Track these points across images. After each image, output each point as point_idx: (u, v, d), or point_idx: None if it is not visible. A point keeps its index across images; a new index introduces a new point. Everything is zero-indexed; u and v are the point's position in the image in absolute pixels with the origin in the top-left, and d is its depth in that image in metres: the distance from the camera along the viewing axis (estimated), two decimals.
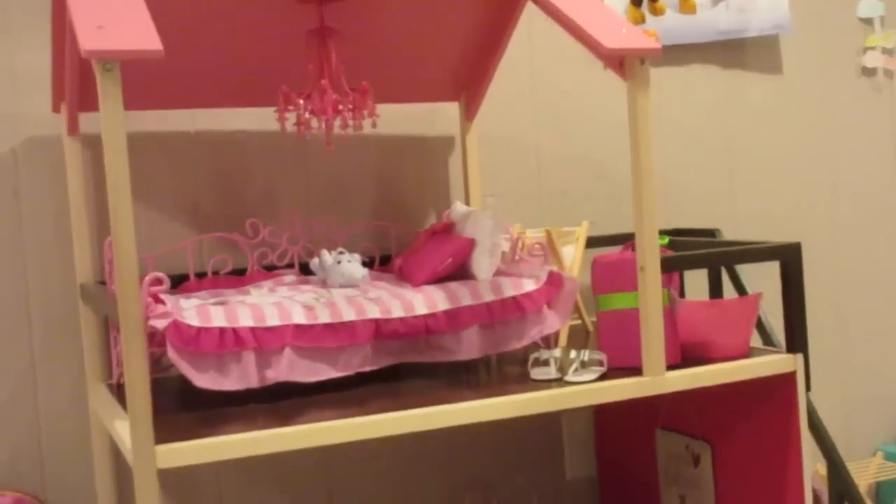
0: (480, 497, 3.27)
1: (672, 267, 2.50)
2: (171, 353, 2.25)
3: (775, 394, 2.65)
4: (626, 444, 3.29)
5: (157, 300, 2.28)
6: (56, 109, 2.81)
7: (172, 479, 2.97)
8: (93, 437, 2.84)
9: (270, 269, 2.93)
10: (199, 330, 2.28)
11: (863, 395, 4.00)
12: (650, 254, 2.35)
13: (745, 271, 3.28)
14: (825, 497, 3.26)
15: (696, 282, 3.24)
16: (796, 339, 2.58)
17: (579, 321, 3.13)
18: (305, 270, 2.91)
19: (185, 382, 2.59)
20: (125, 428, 2.10)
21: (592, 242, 3.08)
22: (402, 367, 2.57)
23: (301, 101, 2.63)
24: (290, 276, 2.87)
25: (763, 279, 2.86)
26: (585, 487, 3.46)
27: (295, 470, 3.13)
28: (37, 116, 2.86)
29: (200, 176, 3.03)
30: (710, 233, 3.28)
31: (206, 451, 2.05)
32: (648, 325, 2.37)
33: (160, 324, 2.23)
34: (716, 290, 3.20)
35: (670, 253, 2.60)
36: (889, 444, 4.11)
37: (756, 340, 2.98)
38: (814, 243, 3.26)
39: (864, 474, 3.91)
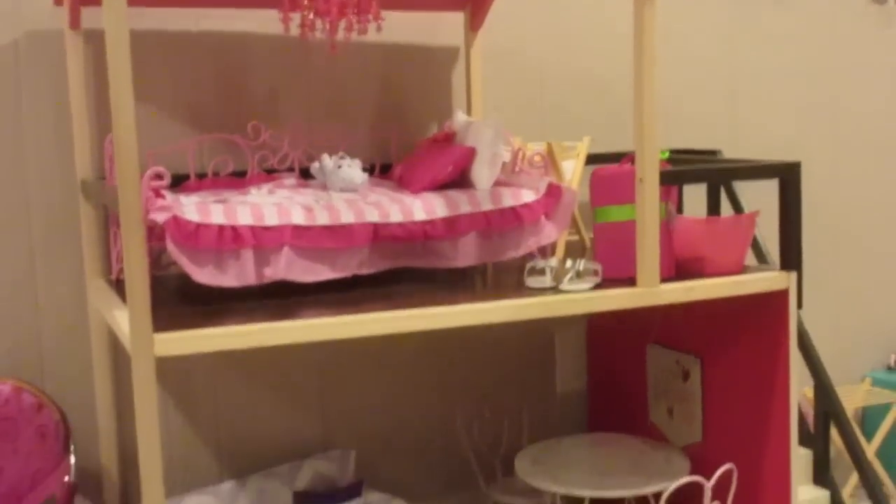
0: (472, 408, 3.32)
1: (671, 180, 2.52)
2: (171, 247, 2.27)
3: (767, 311, 2.68)
4: (617, 358, 3.33)
5: (158, 194, 2.29)
6: (58, 2, 2.79)
7: (170, 379, 3.02)
8: (91, 329, 2.87)
9: (271, 173, 2.94)
10: (199, 226, 2.29)
11: (853, 320, 4.05)
12: (650, 165, 2.36)
13: (743, 192, 3.30)
14: (811, 419, 3.31)
15: (694, 202, 3.26)
16: (791, 258, 2.60)
17: (577, 237, 3.15)
18: (305, 175, 2.91)
19: (184, 280, 2.62)
20: (124, 317, 2.13)
21: (592, 160, 3.08)
22: (399, 271, 2.59)
23: (305, 2, 2.61)
24: (290, 180, 2.88)
25: (759, 203, 2.87)
26: (575, 401, 3.52)
27: (289, 376, 3.17)
28: (38, 9, 2.83)
29: (202, 77, 3.02)
30: (711, 153, 3.28)
31: (203, 341, 2.08)
32: (645, 236, 2.38)
33: (160, 217, 2.24)
34: (713, 210, 3.21)
35: (670, 167, 2.61)
36: (878, 371, 4.17)
37: (750, 260, 3.00)
38: (813, 168, 3.27)
39: (852, 399, 3.97)
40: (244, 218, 2.36)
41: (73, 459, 2.81)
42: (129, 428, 2.93)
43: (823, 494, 3.18)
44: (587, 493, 2.73)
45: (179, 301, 2.44)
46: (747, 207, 3.22)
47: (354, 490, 2.99)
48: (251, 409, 3.13)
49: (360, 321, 2.20)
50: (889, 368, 4.19)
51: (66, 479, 2.79)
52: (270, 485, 2.94)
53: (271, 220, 2.38)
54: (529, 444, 3.14)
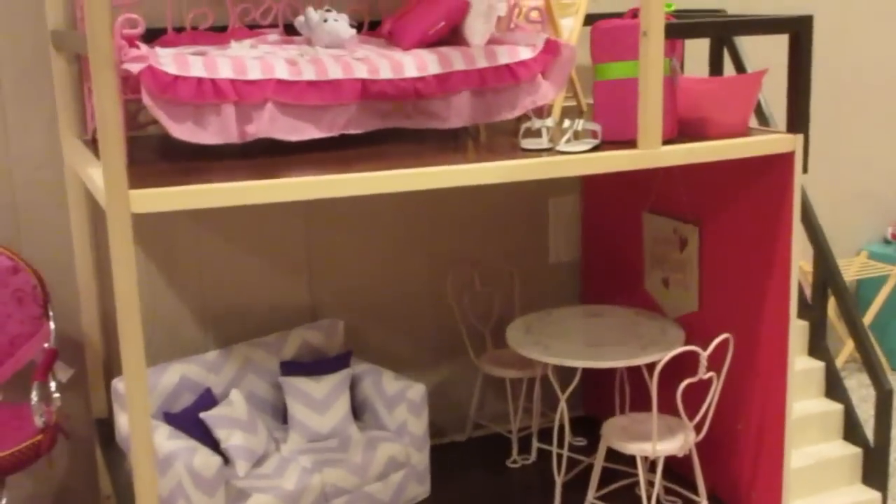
0: (463, 277, 3.25)
1: (676, 33, 2.38)
2: (147, 100, 2.15)
3: (770, 176, 2.58)
4: (611, 227, 3.25)
5: (132, 43, 2.16)
6: None
7: (154, 246, 2.92)
8: (67, 189, 2.76)
9: (253, 28, 2.79)
10: (176, 78, 2.17)
11: (852, 190, 3.96)
12: (655, 17, 2.22)
13: (745, 55, 3.17)
14: (807, 292, 3.26)
15: (696, 64, 3.13)
16: (798, 119, 2.49)
17: (574, 102, 3.03)
18: (290, 31, 2.77)
19: (163, 140, 2.50)
20: (99, 174, 2.02)
21: (592, 20, 2.93)
22: (388, 132, 2.48)
23: None
24: (273, 35, 2.74)
25: (759, 66, 2.75)
26: (568, 271, 3.45)
27: (276, 244, 3.08)
28: None
29: None
30: (715, 12, 3.14)
31: (180, 198, 1.98)
32: (647, 93, 2.26)
33: (134, 68, 2.12)
34: (716, 71, 3.09)
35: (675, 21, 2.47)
36: (874, 244, 4.11)
37: (752, 123, 2.89)
38: (819, 31, 3.13)
39: (847, 271, 3.92)
40: (225, 71, 2.23)
41: (52, 325, 2.74)
42: (111, 293, 2.85)
43: (819, 365, 3.15)
44: (579, 364, 2.68)
45: (158, 160, 2.33)
46: (749, 71, 3.09)
47: (342, 360, 2.94)
48: (237, 277, 3.05)
49: (346, 180, 2.10)
50: (886, 241, 4.13)
51: (46, 344, 2.73)
52: (257, 354, 2.88)
53: (254, 73, 2.25)
54: (521, 315, 3.08)
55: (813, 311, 3.18)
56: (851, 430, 3.11)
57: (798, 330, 3.07)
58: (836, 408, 3.13)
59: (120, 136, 1.90)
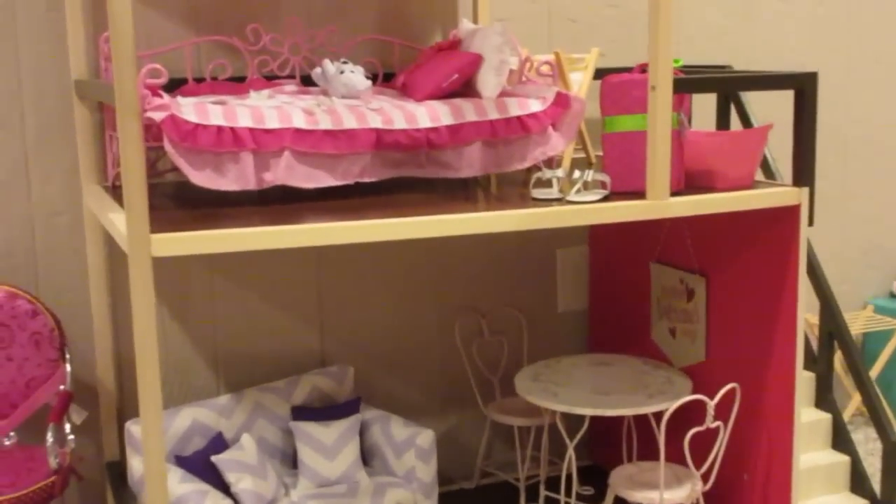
0: (472, 326, 3.28)
1: (684, 88, 2.44)
2: (168, 148, 2.20)
3: (777, 229, 2.63)
4: (619, 277, 3.29)
5: (154, 93, 2.22)
6: None
7: (168, 292, 2.96)
8: (86, 235, 2.81)
9: (271, 79, 2.86)
10: (197, 126, 2.23)
11: (859, 245, 4.00)
12: (663, 72, 2.28)
13: (751, 110, 3.23)
14: (814, 344, 3.28)
15: (703, 118, 3.19)
16: (804, 172, 2.54)
17: (583, 154, 3.08)
18: (307, 82, 2.84)
19: (181, 187, 2.56)
20: (121, 219, 2.07)
21: (601, 74, 3.00)
22: (401, 181, 2.53)
23: None
24: (290, 86, 2.81)
25: (766, 120, 2.80)
26: (576, 320, 3.48)
27: (288, 290, 3.12)
28: None
29: None
30: (721, 68, 3.21)
31: (200, 243, 2.03)
32: (656, 145, 2.32)
33: (157, 116, 2.18)
34: (723, 125, 3.15)
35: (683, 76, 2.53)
36: (880, 298, 4.13)
37: (758, 177, 2.94)
38: (824, 86, 3.19)
39: (854, 325, 3.94)
40: (244, 120, 2.29)
41: (68, 368, 2.77)
42: (126, 337, 2.89)
43: (825, 417, 3.16)
44: (587, 411, 2.70)
45: (175, 206, 2.38)
46: (756, 126, 3.14)
47: (352, 406, 2.97)
48: (249, 323, 3.09)
49: (360, 227, 2.15)
50: (892, 295, 4.16)
51: (62, 387, 2.76)
52: (267, 399, 2.91)
53: (272, 122, 2.31)
54: (529, 364, 3.11)
55: (819, 363, 3.20)
56: (858, 483, 3.12)
57: (804, 381, 3.09)
58: (843, 459, 3.14)
59: (143, 182, 1.95)
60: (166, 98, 2.24)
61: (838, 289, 3.47)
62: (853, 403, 4.02)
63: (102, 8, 2.63)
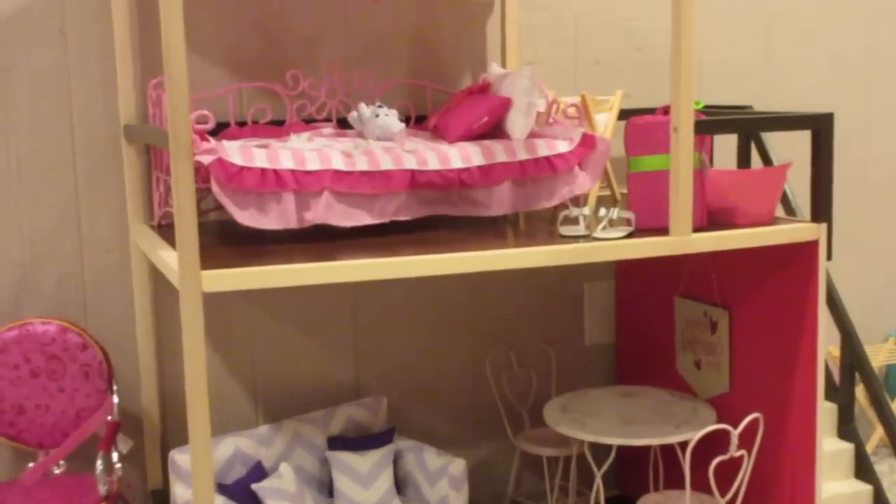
0: (502, 358, 3.37)
1: (705, 129, 2.55)
2: (215, 189, 2.33)
3: (796, 263, 2.72)
4: (645, 311, 3.37)
5: (203, 137, 2.35)
6: None
7: (209, 326, 3.05)
8: (133, 271, 2.94)
9: (309, 122, 2.99)
10: (242, 168, 2.35)
11: (879, 278, 4.06)
12: (685, 114, 2.39)
13: (771, 148, 3.32)
14: (835, 376, 3.34)
15: (724, 156, 3.28)
16: (822, 209, 2.63)
17: (608, 192, 3.19)
18: (343, 125, 2.96)
19: (224, 226, 2.68)
20: (171, 256, 2.19)
21: (625, 115, 3.11)
22: (435, 219, 2.64)
23: None
24: (327, 129, 2.93)
25: (786, 158, 2.90)
26: (603, 353, 3.57)
27: (324, 324, 3.24)
28: None
29: (242, 24, 3.06)
30: (742, 108, 3.30)
31: (247, 279, 2.14)
32: (678, 184, 2.42)
33: (206, 159, 2.30)
34: (744, 164, 3.24)
35: (704, 117, 2.64)
36: None
37: (779, 213, 3.03)
38: (844, 122, 3.27)
39: (876, 357, 4.00)
40: (286, 162, 2.41)
41: (115, 399, 2.89)
42: (170, 369, 3.01)
43: (847, 447, 3.22)
44: (615, 441, 2.78)
45: (223, 243, 2.50)
46: (776, 163, 3.24)
47: (386, 436, 3.06)
48: (287, 355, 3.20)
49: (396, 263, 2.25)
50: None
51: (109, 417, 2.87)
52: (305, 429, 3.00)
53: (312, 164, 2.43)
54: (557, 395, 3.20)
55: (841, 394, 3.27)
56: None
57: (826, 412, 3.16)
58: (866, 489, 3.19)
59: (194, 221, 2.07)
60: (213, 142, 2.36)
61: (861, 321, 3.54)
62: (876, 435, 4.07)
63: (150, 55, 2.79)
